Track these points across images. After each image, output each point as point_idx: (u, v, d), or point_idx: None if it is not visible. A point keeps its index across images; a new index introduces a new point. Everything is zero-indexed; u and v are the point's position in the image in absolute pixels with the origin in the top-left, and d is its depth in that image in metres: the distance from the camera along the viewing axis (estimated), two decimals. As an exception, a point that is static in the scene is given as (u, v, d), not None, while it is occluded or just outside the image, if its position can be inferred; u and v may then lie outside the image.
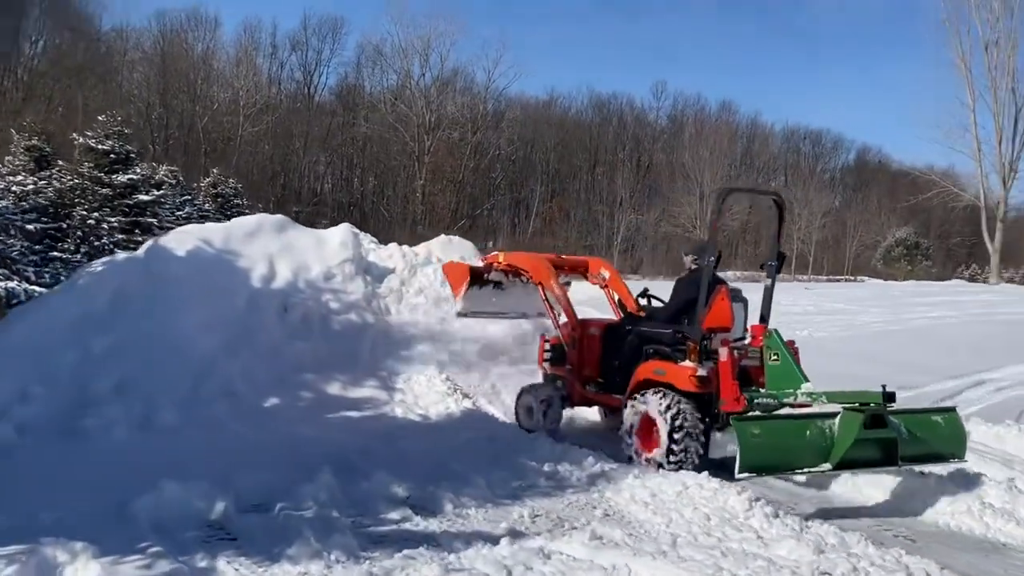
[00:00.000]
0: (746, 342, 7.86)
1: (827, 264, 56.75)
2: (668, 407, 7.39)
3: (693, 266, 8.18)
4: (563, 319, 8.78)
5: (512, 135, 67.14)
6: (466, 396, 9.56)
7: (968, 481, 7.10)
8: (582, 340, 8.60)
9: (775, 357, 7.31)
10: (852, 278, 53.81)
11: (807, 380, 7.11)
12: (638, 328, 8.28)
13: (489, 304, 9.21)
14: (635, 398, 7.69)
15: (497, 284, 9.18)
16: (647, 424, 7.58)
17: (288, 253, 10.59)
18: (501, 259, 9.23)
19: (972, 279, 48.87)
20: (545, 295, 8.93)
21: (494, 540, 5.62)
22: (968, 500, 6.81)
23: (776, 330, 7.46)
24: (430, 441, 8.29)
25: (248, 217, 11.08)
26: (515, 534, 5.81)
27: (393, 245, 11.77)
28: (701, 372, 7.43)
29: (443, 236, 12.35)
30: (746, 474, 6.37)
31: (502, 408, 9.46)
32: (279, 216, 11.16)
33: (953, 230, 63.65)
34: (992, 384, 12.75)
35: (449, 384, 9.67)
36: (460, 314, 9.23)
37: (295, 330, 9.94)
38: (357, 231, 11.53)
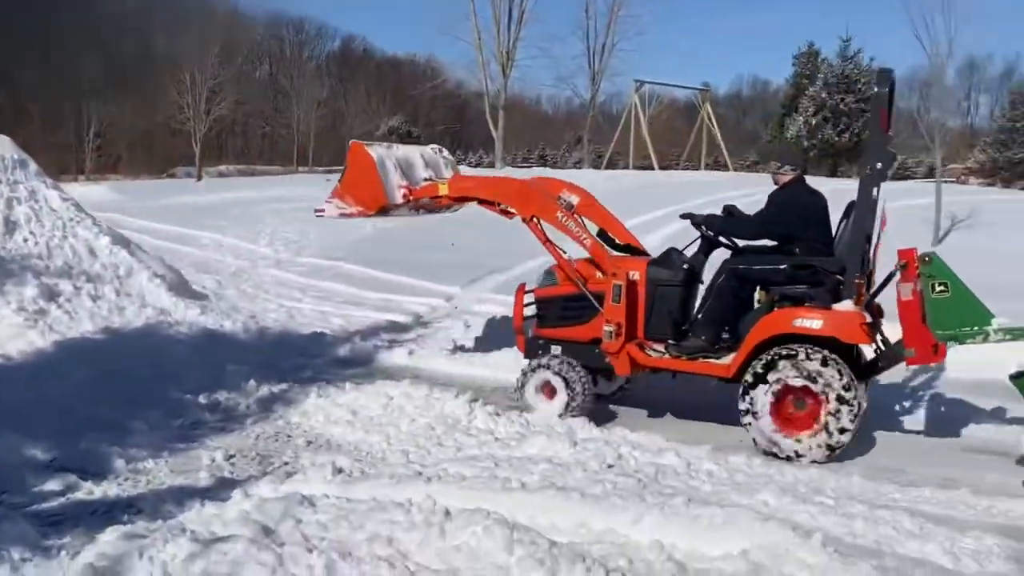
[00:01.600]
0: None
1: (327, 156, 57.49)
2: (841, 374, 5.72)
3: (788, 176, 6.42)
4: (576, 230, 6.63)
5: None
6: (51, 327, 7.96)
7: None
8: (627, 288, 6.44)
9: (942, 288, 5.80)
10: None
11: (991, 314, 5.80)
12: (734, 265, 6.38)
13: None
14: (771, 360, 5.86)
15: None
16: (793, 395, 5.88)
17: None
18: (444, 191, 6.97)
19: (477, 164, 53.28)
20: (544, 233, 6.81)
21: (214, 496, 4.81)
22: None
23: (936, 254, 5.96)
24: (36, 385, 6.78)
25: None
26: (232, 483, 5.04)
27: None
28: (868, 318, 6.00)
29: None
30: None
31: (109, 335, 8.07)
32: None
33: (438, 118, 68.49)
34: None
35: (27, 313, 7.96)
36: (320, 214, 7.17)
37: None
38: None
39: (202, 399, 6.67)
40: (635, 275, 6.47)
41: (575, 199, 7.12)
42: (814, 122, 46.76)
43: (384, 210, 7.05)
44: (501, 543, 3.94)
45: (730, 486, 4.97)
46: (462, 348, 8.71)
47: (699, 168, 52.86)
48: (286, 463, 5.52)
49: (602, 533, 4.29)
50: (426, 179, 7.27)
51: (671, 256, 6.66)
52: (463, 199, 7.05)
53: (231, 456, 5.63)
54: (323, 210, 7.09)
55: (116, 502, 4.85)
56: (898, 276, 6.00)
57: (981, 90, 71.44)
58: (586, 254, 6.68)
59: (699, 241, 6.76)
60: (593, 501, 4.49)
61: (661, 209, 20.83)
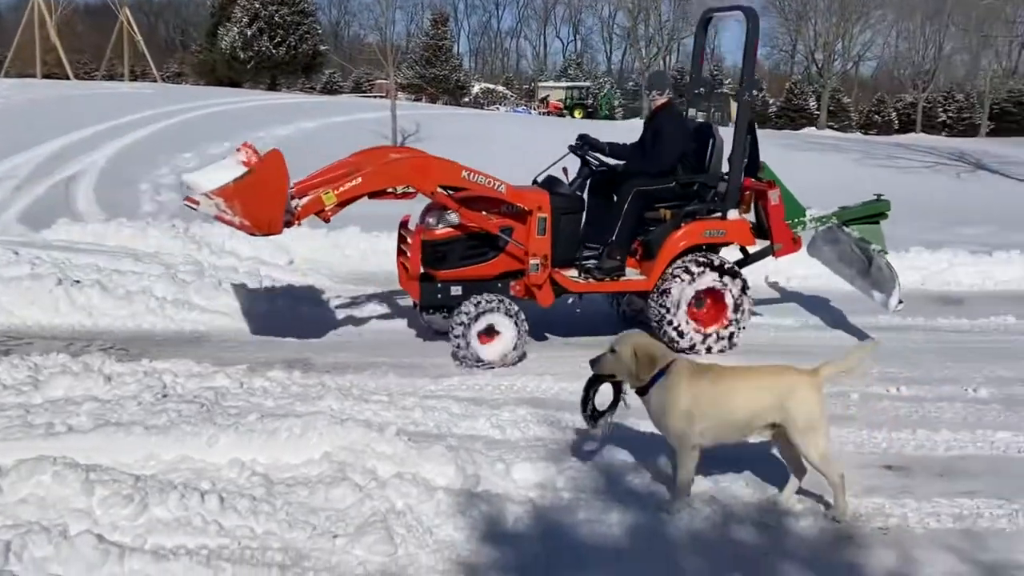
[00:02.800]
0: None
1: None
2: (738, 276, 7.15)
3: (663, 100, 7.37)
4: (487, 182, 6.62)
5: None
6: None
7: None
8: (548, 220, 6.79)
9: None
10: None
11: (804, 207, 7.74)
12: (641, 187, 7.08)
13: None
14: (682, 271, 6.97)
15: None
16: (702, 296, 7.10)
17: None
18: (331, 201, 6.21)
19: None
20: (452, 198, 6.60)
21: None
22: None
23: (764, 161, 7.54)
24: None
25: None
26: None
27: None
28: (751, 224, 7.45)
29: None
30: None
31: None
32: None
33: None
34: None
35: None
36: (192, 206, 6.13)
37: None
38: None
39: None
40: (544, 207, 6.78)
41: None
42: (249, 33, 46.65)
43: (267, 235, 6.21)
44: (77, 487, 3.78)
45: (290, 398, 5.22)
46: None
47: (123, 79, 50.07)
48: None
49: (175, 462, 4.29)
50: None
51: (559, 186, 7.13)
52: (348, 202, 6.46)
53: None
54: (197, 203, 6.06)
55: None
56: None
57: (396, 7, 77.57)
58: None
59: (581, 170, 7.34)
60: (160, 432, 4.43)
61: (103, 123, 19.79)
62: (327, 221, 6.50)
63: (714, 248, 7.22)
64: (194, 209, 6.16)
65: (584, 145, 7.32)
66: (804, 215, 7.68)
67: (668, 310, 6.95)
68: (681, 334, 6.99)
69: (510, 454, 4.60)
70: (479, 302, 6.50)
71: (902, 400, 5.90)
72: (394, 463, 4.33)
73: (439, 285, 6.76)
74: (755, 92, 7.67)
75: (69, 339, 6.84)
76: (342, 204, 6.37)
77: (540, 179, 7.29)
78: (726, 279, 7.05)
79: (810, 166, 20.24)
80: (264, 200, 5.91)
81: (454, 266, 6.77)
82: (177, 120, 21.80)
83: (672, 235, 7.03)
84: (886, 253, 7.48)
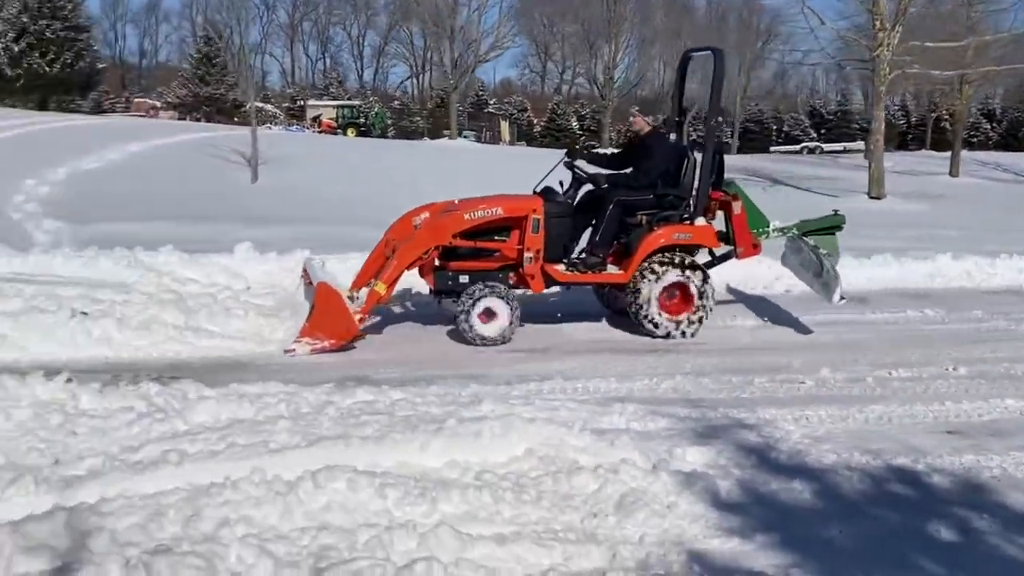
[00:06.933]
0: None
1: None
2: (701, 270, 8.36)
3: (648, 128, 8.81)
4: (485, 212, 8.20)
5: None
6: None
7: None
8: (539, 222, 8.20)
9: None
10: None
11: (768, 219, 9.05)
12: (622, 197, 8.46)
13: None
14: (654, 267, 8.22)
15: None
16: (672, 289, 8.27)
17: None
18: (382, 290, 7.83)
19: None
20: (470, 240, 8.27)
21: None
22: None
23: (734, 180, 8.92)
24: None
25: None
26: None
27: None
28: (715, 229, 8.70)
29: None
30: None
31: None
32: None
33: None
34: None
35: None
36: (292, 354, 7.51)
37: None
38: None
39: None
40: (538, 212, 8.15)
41: (426, 215, 8.30)
42: (17, 49, 43.34)
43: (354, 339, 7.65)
44: (372, 491, 4.17)
45: (451, 405, 5.55)
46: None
47: None
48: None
49: (394, 467, 4.61)
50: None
51: (553, 194, 8.41)
52: (396, 280, 8.03)
53: None
54: (294, 350, 7.47)
55: None
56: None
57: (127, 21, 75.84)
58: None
59: (571, 180, 8.62)
60: (374, 441, 4.80)
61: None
62: (381, 302, 7.92)
63: (687, 250, 8.46)
64: (295, 355, 7.41)
65: (574, 160, 8.69)
66: (768, 226, 9.02)
67: (642, 305, 8.19)
68: (656, 324, 8.22)
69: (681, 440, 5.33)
70: (478, 289, 7.91)
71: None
72: (588, 454, 4.91)
73: (450, 274, 8.20)
74: (719, 120, 9.20)
75: (102, 371, 6.65)
76: (392, 284, 7.92)
77: (538, 188, 8.53)
78: (688, 273, 8.27)
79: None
80: (334, 321, 7.47)
81: (473, 260, 8.27)
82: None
83: (647, 236, 8.32)
84: (833, 257, 8.83)
